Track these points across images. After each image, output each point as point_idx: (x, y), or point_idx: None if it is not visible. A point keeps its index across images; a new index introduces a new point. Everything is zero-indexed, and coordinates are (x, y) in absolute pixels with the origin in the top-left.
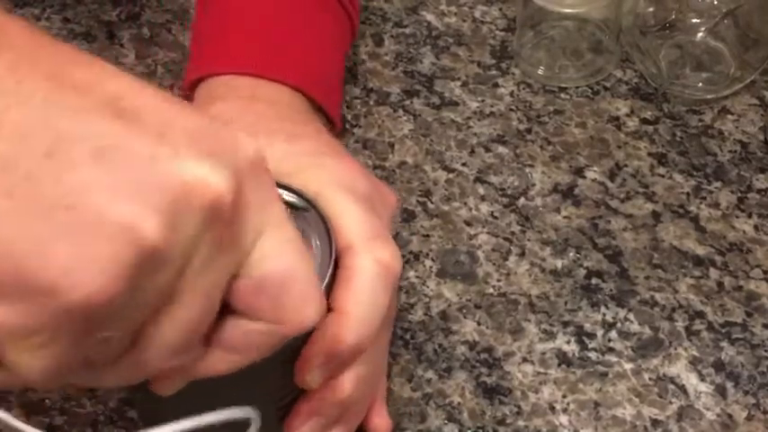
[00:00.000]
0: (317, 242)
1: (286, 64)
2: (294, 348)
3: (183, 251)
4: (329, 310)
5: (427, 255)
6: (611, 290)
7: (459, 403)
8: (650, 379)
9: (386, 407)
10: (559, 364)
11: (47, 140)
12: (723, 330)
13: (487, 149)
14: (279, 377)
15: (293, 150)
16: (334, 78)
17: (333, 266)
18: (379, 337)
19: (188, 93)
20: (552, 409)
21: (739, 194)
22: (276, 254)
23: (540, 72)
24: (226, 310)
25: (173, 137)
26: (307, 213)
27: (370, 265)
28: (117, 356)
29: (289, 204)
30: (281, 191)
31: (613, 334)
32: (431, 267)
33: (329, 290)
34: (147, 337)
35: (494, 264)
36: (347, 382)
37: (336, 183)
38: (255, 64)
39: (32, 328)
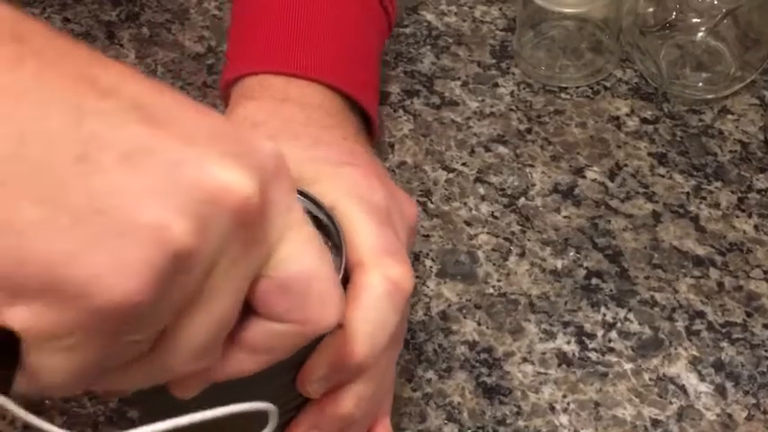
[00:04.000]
0: (331, 254)
1: (319, 62)
2: (301, 356)
3: (212, 253)
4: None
5: (427, 255)
6: (611, 290)
7: (459, 403)
8: (650, 379)
9: (389, 423)
10: (559, 364)
11: (76, 146)
12: (723, 330)
13: (487, 149)
14: (285, 383)
15: (315, 157)
16: (370, 74)
17: (341, 281)
18: (386, 356)
19: (224, 93)
20: (552, 409)
21: (739, 194)
22: (298, 254)
23: (540, 72)
24: (247, 310)
25: (197, 140)
26: (322, 223)
27: (380, 282)
28: (135, 360)
29: (306, 212)
30: (299, 197)
31: (613, 334)
32: (431, 267)
33: None
34: (170, 339)
35: (494, 264)
36: (349, 398)
37: (354, 194)
38: (289, 63)
39: (64, 329)
